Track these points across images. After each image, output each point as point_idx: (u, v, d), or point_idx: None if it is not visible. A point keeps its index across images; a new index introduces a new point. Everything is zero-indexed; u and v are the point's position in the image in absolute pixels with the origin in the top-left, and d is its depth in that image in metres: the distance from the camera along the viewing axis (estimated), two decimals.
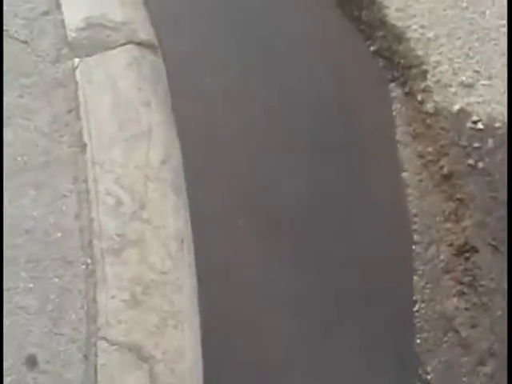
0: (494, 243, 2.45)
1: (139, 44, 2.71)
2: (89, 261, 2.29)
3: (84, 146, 2.48)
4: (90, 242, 2.29)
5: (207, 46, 2.80)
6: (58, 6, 2.87)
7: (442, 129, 2.58)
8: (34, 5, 2.92)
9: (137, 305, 2.19)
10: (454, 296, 2.47)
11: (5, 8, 2.87)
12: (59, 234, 2.34)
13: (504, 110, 2.57)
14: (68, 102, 2.61)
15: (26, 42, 2.80)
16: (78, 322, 2.23)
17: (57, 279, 2.27)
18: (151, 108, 2.51)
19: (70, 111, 2.59)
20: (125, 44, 2.69)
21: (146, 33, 2.77)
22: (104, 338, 2.19)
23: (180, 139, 2.53)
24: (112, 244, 2.26)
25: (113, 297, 2.21)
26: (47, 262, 2.30)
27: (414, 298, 2.49)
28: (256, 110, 2.68)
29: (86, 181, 2.40)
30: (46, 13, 2.88)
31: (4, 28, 2.83)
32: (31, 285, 2.28)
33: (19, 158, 2.50)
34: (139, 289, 2.21)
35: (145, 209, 2.31)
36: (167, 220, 2.32)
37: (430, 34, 2.69)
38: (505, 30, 2.70)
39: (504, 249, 2.43)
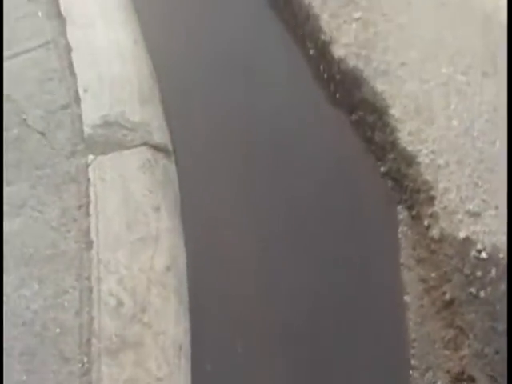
0: (491, 374, 2.68)
1: (154, 147, 3.07)
2: (85, 359, 2.56)
3: (90, 243, 2.80)
4: (88, 340, 2.58)
5: (220, 153, 3.19)
6: (77, 100, 3.26)
7: (446, 255, 2.88)
8: (54, 97, 3.32)
9: None
10: None
11: (25, 97, 3.29)
12: (58, 330, 2.63)
13: None
14: (79, 197, 2.94)
15: (42, 134, 3.17)
16: None
17: (52, 375, 2.53)
18: (160, 213, 2.85)
19: (79, 207, 2.92)
20: (140, 145, 3.06)
21: (161, 136, 3.15)
22: None
23: (186, 247, 2.88)
24: (110, 344, 2.55)
25: None
26: (43, 356, 2.59)
27: None
28: (263, 222, 3.04)
29: (89, 278, 2.71)
30: (64, 106, 3.26)
31: (23, 117, 3.23)
32: (25, 377, 2.57)
33: (26, 249, 2.83)
34: None
35: (146, 312, 2.62)
36: (167, 326, 2.61)
37: (441, 161, 3.03)
38: None
39: (502, 380, 2.71)
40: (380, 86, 3.21)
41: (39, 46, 3.51)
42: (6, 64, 3.45)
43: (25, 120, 3.21)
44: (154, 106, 3.24)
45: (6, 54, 3.49)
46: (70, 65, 3.41)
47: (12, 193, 2.97)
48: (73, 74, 3.37)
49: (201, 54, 3.56)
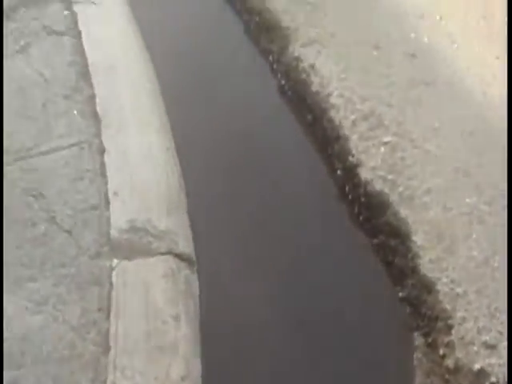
0: None
1: (178, 256, 3.31)
2: None
3: (108, 347, 2.98)
4: None
5: (242, 267, 3.45)
6: (107, 202, 3.52)
7: None
8: (84, 197, 3.58)
9: None
10: None
11: (56, 194, 3.57)
12: None
13: None
14: (100, 300, 3.15)
15: (69, 233, 3.42)
16: None
17: None
18: (180, 322, 3.07)
19: (100, 310, 3.12)
20: (164, 254, 3.31)
21: (185, 245, 3.39)
22: None
23: (202, 357, 3.09)
24: None
25: None
26: None
27: None
28: (281, 336, 3.24)
29: (104, 382, 2.88)
30: (93, 207, 3.52)
31: (51, 214, 3.50)
32: None
33: (44, 347, 3.02)
34: None
35: None
36: None
37: (460, 290, 3.23)
38: None
39: None
40: (404, 211, 3.45)
41: (73, 145, 3.81)
42: (38, 159, 3.74)
43: (53, 217, 3.43)
44: (180, 214, 3.49)
45: (40, 149, 3.78)
46: (102, 166, 3.68)
47: (34, 289, 3.17)
48: (104, 175, 3.63)
49: (230, 167, 3.85)
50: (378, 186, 3.57)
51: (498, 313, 3.16)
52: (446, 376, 3.07)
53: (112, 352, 2.95)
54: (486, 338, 3.09)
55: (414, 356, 3.20)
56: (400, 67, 4.14)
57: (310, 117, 4.07)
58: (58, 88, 4.19)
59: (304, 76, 4.17)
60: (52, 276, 3.23)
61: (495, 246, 3.35)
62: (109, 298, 3.13)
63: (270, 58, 4.48)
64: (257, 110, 4.20)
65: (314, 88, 4.08)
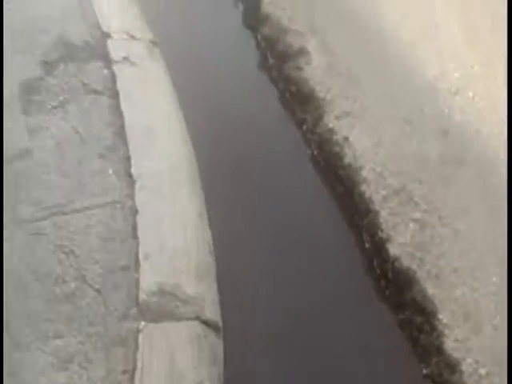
0: None
1: (204, 322, 3.39)
2: None
3: None
4: None
5: (269, 335, 3.53)
6: (137, 264, 3.61)
7: None
8: (115, 257, 3.68)
9: None
10: None
11: (87, 253, 3.68)
12: None
13: None
14: (125, 362, 3.23)
15: (99, 292, 3.51)
16: None
17: None
18: None
19: (124, 372, 3.20)
20: (191, 319, 3.40)
21: (212, 312, 3.47)
22: None
23: None
24: None
25: None
26: None
27: None
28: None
29: None
30: (124, 268, 3.62)
31: (82, 272, 3.62)
32: None
33: None
34: None
35: None
36: None
37: (483, 371, 3.29)
38: None
39: None
40: (431, 289, 3.54)
41: (106, 204, 3.91)
42: (72, 216, 3.86)
43: (83, 276, 3.54)
44: (208, 280, 3.58)
45: (73, 206, 3.90)
46: (134, 228, 3.78)
47: (61, 345, 3.27)
48: (136, 237, 3.73)
49: (260, 235, 3.97)
50: (405, 262, 3.65)
51: None
52: None
53: None
54: None
55: None
56: (432, 144, 4.25)
57: (341, 189, 4.18)
58: (93, 146, 4.30)
59: (337, 148, 4.29)
60: (79, 334, 3.32)
61: None
62: (134, 361, 3.20)
63: (304, 127, 4.60)
64: (289, 178, 4.31)
65: (347, 160, 4.20)
